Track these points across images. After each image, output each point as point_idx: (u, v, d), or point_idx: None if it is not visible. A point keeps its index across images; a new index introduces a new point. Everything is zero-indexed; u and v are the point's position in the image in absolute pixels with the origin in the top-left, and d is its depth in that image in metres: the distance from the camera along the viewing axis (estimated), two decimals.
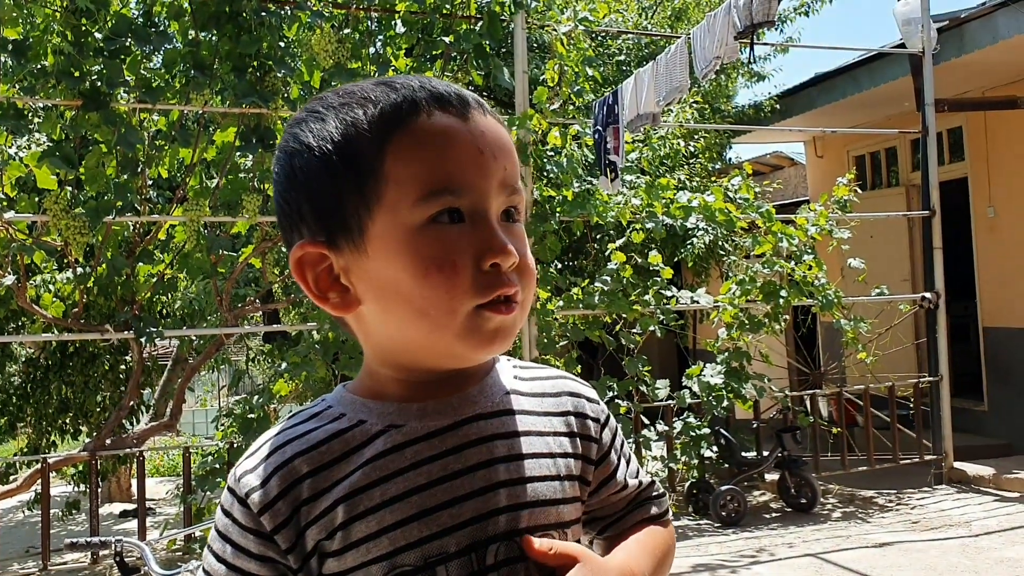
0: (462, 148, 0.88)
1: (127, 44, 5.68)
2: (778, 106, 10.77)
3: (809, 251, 7.26)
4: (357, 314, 0.92)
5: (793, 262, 7.26)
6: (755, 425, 7.20)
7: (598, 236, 9.13)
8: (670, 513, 1.09)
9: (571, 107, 7.14)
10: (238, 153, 6.13)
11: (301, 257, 0.91)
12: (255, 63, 5.92)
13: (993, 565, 5.05)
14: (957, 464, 7.36)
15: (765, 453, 6.90)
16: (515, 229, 0.91)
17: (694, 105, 10.34)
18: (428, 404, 0.92)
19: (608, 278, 6.72)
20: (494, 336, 0.88)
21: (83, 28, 5.51)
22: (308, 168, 0.90)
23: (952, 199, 8.80)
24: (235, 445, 6.25)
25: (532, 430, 0.96)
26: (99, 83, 5.57)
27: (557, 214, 6.64)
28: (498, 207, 0.90)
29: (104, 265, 6.01)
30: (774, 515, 6.71)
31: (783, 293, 7.05)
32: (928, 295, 7.50)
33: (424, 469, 0.89)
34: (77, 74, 5.49)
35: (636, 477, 1.06)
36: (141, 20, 6.02)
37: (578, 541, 0.97)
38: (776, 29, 12.55)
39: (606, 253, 6.95)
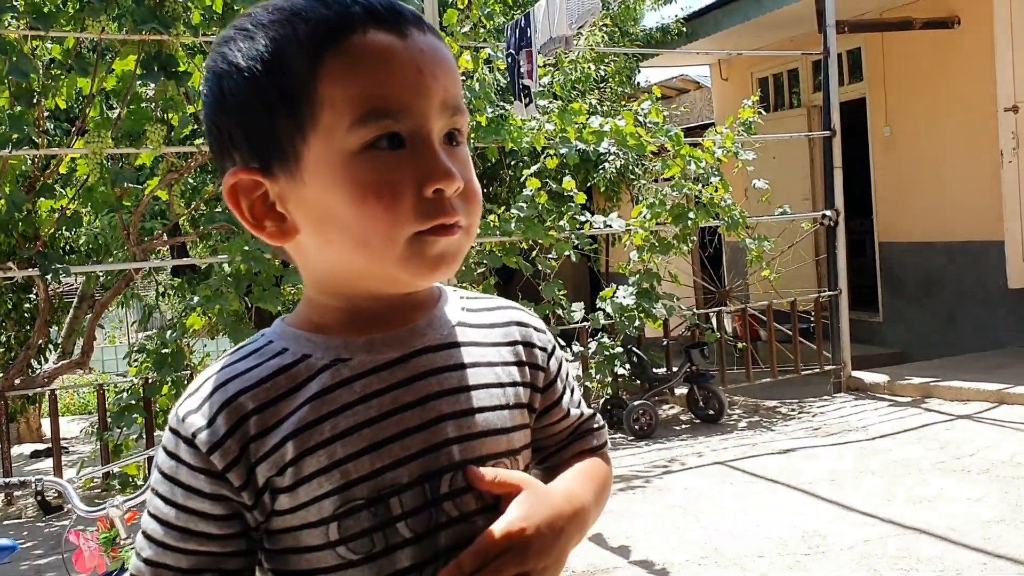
0: (400, 68, 0.83)
1: None
2: (684, 29, 10.85)
3: (716, 173, 7.42)
4: (296, 243, 0.89)
5: (700, 184, 7.43)
6: (665, 343, 7.44)
7: (512, 163, 9.15)
8: (608, 445, 1.09)
9: (482, 30, 7.07)
10: (139, 82, 5.91)
11: (234, 184, 0.87)
12: None
13: (888, 465, 5.39)
14: (855, 373, 7.75)
15: (675, 369, 7.15)
16: (458, 153, 0.88)
17: (603, 28, 10.34)
18: (375, 337, 0.90)
19: (524, 204, 6.78)
20: (439, 261, 0.86)
21: None
22: (238, 91, 0.85)
23: (851, 119, 9.07)
24: (150, 381, 6.18)
25: (481, 361, 0.95)
26: None
27: (471, 140, 6.62)
28: (440, 130, 0.86)
29: (3, 200, 5.79)
30: (684, 427, 7.00)
31: (691, 215, 7.22)
32: (828, 213, 7.78)
33: (374, 402, 0.88)
34: None
35: (579, 408, 1.06)
36: None
37: (527, 468, 0.98)
38: None
39: (521, 179, 6.98)
